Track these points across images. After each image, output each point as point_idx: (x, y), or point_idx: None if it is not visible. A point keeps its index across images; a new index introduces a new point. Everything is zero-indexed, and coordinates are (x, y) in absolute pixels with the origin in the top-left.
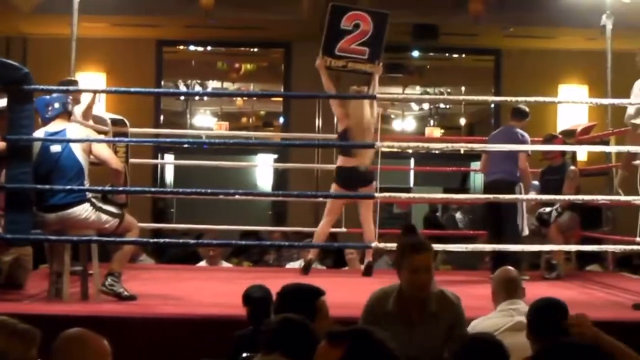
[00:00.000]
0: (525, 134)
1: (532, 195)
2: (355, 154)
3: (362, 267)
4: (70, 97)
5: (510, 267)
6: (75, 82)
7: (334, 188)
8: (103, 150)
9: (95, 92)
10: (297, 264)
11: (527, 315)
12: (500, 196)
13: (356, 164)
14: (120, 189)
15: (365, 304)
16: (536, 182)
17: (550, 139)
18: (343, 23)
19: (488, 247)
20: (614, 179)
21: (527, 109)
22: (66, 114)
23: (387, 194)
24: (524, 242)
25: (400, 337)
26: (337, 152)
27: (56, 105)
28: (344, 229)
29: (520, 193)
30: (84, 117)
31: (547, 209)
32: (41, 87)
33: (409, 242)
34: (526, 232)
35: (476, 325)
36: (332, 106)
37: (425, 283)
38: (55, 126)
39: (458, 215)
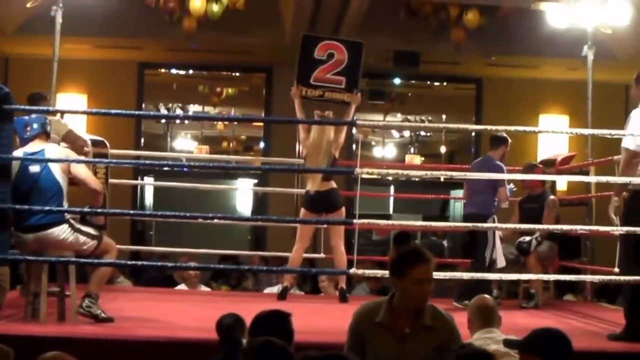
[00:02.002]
0: (502, 166)
1: (509, 225)
2: (308, 178)
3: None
4: (49, 119)
5: (486, 296)
6: (44, 97)
7: (302, 212)
8: (82, 171)
9: (75, 113)
10: (276, 289)
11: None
12: (480, 224)
13: (308, 187)
14: (99, 210)
15: (353, 315)
16: (512, 185)
17: (531, 168)
18: (316, 53)
19: (466, 276)
20: (593, 209)
21: (504, 135)
22: (44, 135)
23: (366, 221)
24: (503, 271)
25: (390, 348)
26: None
27: (35, 125)
28: (322, 255)
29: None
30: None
31: (527, 238)
32: (22, 107)
33: (412, 251)
34: (502, 263)
35: None
36: (300, 131)
37: (427, 294)
38: (33, 146)
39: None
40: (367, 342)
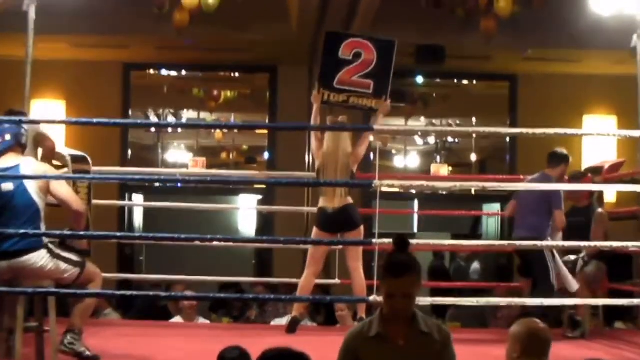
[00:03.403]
0: (560, 190)
1: (551, 242)
2: (325, 194)
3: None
4: (25, 129)
5: (538, 320)
6: (22, 113)
7: (314, 232)
8: (62, 189)
9: (52, 122)
10: (284, 320)
11: None
12: (516, 242)
13: (326, 204)
14: (82, 233)
15: (345, 337)
16: None
17: (579, 177)
18: (341, 52)
19: (503, 302)
20: None
21: (564, 152)
22: (19, 148)
23: (386, 240)
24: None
25: (387, 358)
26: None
27: (7, 137)
28: (337, 281)
29: (549, 250)
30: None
31: (572, 258)
32: None
33: (389, 262)
34: (575, 287)
35: None
36: (313, 139)
37: (400, 310)
38: (7, 161)
39: (475, 265)
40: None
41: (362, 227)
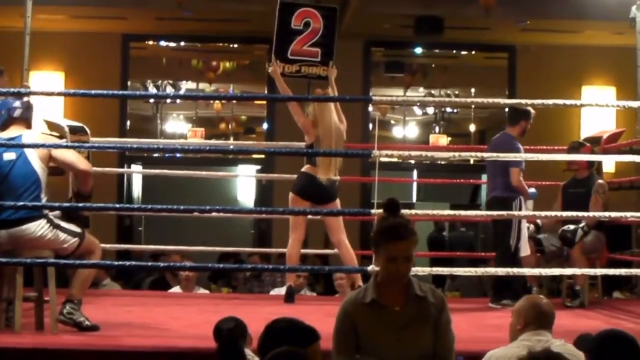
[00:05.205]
0: (519, 144)
1: (550, 212)
2: (320, 164)
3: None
4: (20, 103)
5: (542, 297)
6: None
7: (291, 198)
8: (66, 153)
9: (51, 94)
10: (283, 290)
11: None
12: (505, 212)
13: (319, 175)
14: (80, 205)
15: (340, 305)
16: (533, 190)
17: (577, 148)
18: (293, 22)
19: (501, 271)
20: None
21: (524, 108)
22: (20, 120)
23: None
24: (542, 265)
25: (387, 324)
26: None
27: (2, 112)
28: (336, 251)
29: (520, 208)
30: None
31: (572, 227)
32: None
33: (389, 225)
34: (526, 252)
35: (492, 355)
36: (295, 116)
37: (403, 273)
38: (10, 132)
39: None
40: (361, 327)
41: (338, 200)
